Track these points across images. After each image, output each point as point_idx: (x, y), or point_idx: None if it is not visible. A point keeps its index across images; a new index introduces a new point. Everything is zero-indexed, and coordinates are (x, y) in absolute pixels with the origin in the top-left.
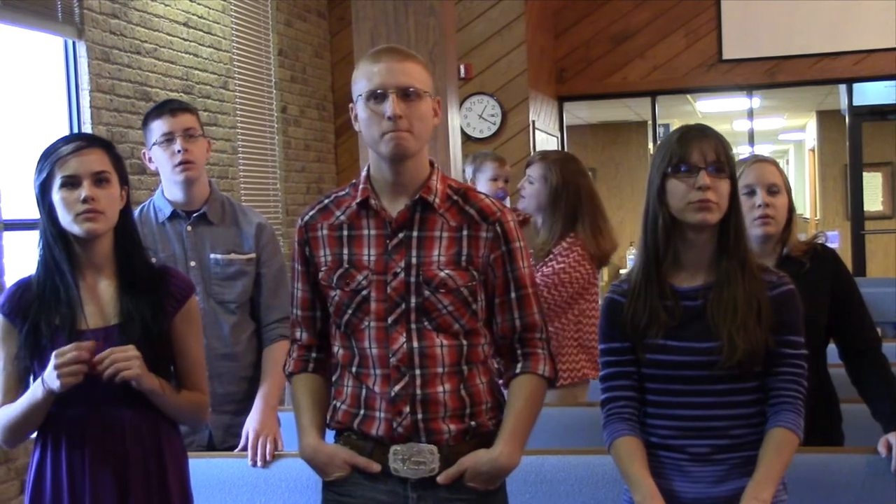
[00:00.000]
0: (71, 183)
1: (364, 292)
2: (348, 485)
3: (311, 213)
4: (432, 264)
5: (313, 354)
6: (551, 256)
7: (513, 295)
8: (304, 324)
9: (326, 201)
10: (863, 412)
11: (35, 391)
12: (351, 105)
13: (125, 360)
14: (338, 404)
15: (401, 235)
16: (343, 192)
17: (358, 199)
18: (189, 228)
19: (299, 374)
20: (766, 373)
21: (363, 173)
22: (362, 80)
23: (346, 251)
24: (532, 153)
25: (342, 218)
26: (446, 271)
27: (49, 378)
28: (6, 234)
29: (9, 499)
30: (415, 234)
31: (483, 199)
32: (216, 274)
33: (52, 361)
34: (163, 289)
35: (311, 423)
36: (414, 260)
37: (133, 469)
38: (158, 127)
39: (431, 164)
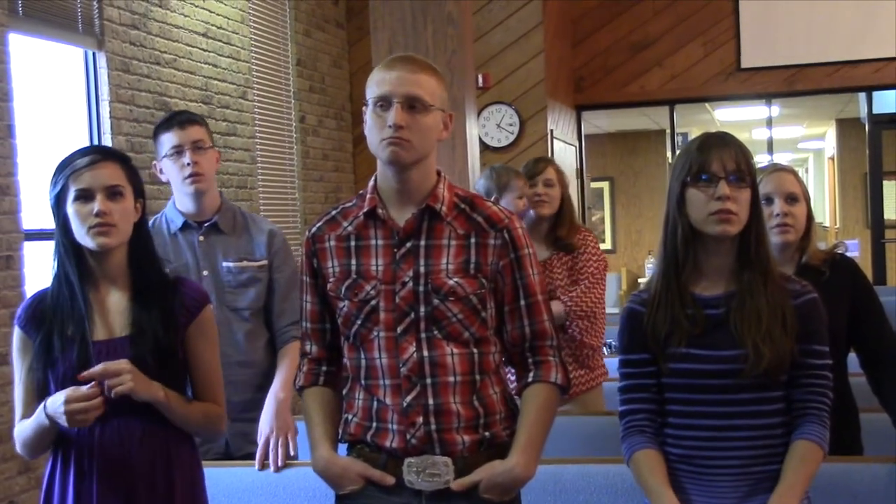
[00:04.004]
0: (84, 196)
1: (372, 302)
2: (362, 497)
3: (318, 225)
4: (441, 272)
5: (324, 367)
6: (585, 256)
7: (522, 303)
8: (314, 336)
9: (334, 212)
10: (882, 421)
11: (41, 417)
12: (364, 109)
13: (116, 375)
14: (349, 417)
15: (408, 244)
16: (350, 204)
17: (365, 209)
18: (201, 238)
19: (310, 388)
20: (791, 383)
21: (370, 183)
22: (373, 86)
23: (353, 262)
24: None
25: (349, 228)
26: (455, 279)
27: (55, 414)
28: (27, 244)
29: None
30: (422, 242)
31: (490, 206)
32: (228, 282)
33: (62, 403)
34: (175, 300)
35: (324, 435)
36: (422, 269)
37: (139, 483)
38: (168, 140)
39: (438, 172)
